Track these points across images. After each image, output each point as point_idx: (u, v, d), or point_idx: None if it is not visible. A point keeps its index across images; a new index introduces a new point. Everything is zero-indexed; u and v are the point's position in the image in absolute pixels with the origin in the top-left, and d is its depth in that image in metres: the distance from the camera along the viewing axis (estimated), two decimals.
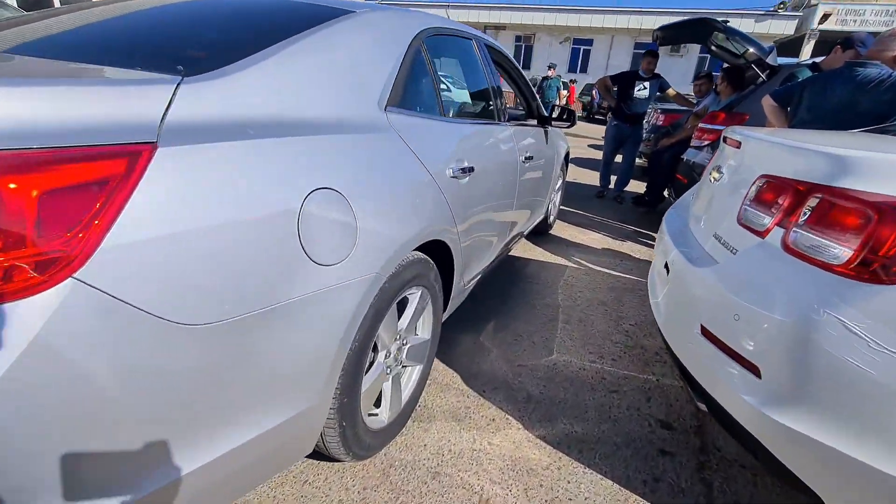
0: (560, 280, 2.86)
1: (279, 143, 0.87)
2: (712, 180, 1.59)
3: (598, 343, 2.17)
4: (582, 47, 21.65)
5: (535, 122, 2.79)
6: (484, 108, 2.08)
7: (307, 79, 1.01)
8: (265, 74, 0.92)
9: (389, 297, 1.19)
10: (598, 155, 8.26)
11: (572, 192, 5.26)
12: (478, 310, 2.34)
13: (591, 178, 6.14)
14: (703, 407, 1.31)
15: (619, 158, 5.17)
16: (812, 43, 16.96)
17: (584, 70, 21.65)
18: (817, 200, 1.05)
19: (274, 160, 0.85)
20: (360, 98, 1.15)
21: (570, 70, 21.72)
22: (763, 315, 1.03)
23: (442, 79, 1.89)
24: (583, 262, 3.22)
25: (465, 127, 1.73)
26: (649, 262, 3.37)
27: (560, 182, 3.73)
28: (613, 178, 5.24)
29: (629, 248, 3.62)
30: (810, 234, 1.03)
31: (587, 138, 11.24)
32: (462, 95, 2.15)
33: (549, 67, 9.39)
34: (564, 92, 9.89)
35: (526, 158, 2.30)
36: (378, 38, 1.28)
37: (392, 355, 1.36)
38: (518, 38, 22.70)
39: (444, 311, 1.71)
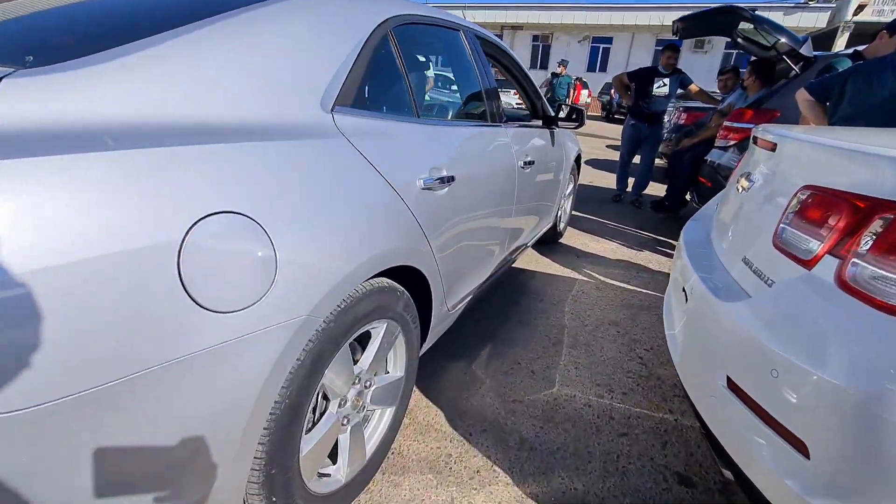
0: (568, 296, 2.60)
1: (154, 155, 0.66)
2: (740, 189, 1.32)
3: (607, 372, 1.91)
4: (601, 46, 21.15)
5: (539, 122, 2.55)
6: (472, 107, 1.85)
7: (214, 73, 0.80)
8: (147, 66, 0.72)
9: (336, 337, 0.97)
10: (617, 156, 7.94)
11: (586, 196, 4.97)
12: (472, 332, 2.11)
13: (609, 180, 5.83)
14: (728, 474, 1.05)
15: (637, 160, 4.86)
16: (846, 35, 16.12)
17: (603, 69, 21.13)
18: (886, 222, 0.79)
19: (142, 177, 0.64)
20: (293, 97, 0.94)
21: (588, 69, 21.25)
22: (811, 375, 0.77)
23: (417, 74, 1.68)
24: (594, 274, 2.95)
25: (446, 130, 1.50)
26: (667, 275, 3.11)
27: (571, 187, 3.47)
28: (631, 181, 4.93)
29: (646, 258, 3.33)
30: (878, 269, 0.77)
31: (605, 138, 10.87)
32: (444, 94, 1.92)
33: (559, 64, 8.97)
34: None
35: (526, 163, 2.06)
36: (324, 25, 1.07)
37: (350, 402, 1.14)
38: (535, 38, 22.33)
39: (424, 342, 1.49)
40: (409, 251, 1.18)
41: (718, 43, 18.97)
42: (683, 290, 1.33)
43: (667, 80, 4.40)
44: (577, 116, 2.55)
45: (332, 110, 1.01)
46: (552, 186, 2.71)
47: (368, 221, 1.02)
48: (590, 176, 6.19)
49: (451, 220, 1.40)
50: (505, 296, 2.52)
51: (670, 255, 3.39)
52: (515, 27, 22.12)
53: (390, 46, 1.27)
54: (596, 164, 7.21)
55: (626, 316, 2.42)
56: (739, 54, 17.50)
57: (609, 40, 20.92)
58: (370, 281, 1.05)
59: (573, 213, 4.04)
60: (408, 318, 1.27)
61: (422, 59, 1.88)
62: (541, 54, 22.37)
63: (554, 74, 8.80)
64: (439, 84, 1.94)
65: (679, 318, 1.33)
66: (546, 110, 2.60)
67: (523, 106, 2.75)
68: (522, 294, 2.58)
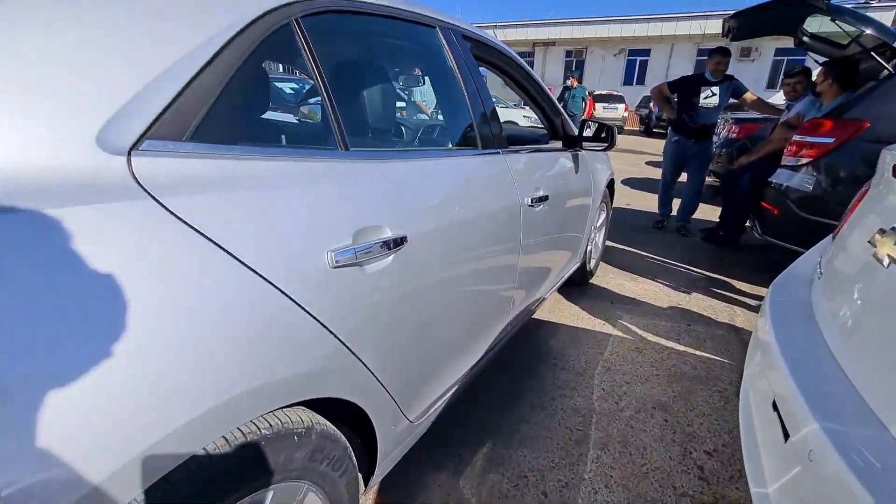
0: (598, 361, 2.04)
1: None
2: (884, 260, 0.77)
3: (651, 495, 1.35)
4: (638, 58, 20.35)
5: (558, 144, 2.05)
6: (452, 131, 1.39)
7: None
8: None
9: None
10: (656, 174, 7.23)
11: (622, 222, 4.36)
12: (463, 420, 1.60)
13: (649, 202, 5.19)
14: None
15: (682, 177, 4.23)
16: None
17: (640, 82, 20.29)
18: None
19: None
20: (39, 126, 0.50)
21: (625, 83, 20.48)
22: None
23: (349, 86, 1.24)
24: (633, 327, 2.37)
25: (396, 167, 1.01)
26: (729, 328, 2.46)
27: (603, 217, 2.92)
28: (677, 203, 4.29)
29: (698, 303, 2.71)
30: None
31: (643, 154, 10.14)
32: (400, 113, 1.45)
33: (571, 76, 8.24)
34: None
35: (537, 200, 1.56)
36: (152, 3, 0.64)
37: None
38: (569, 54, 21.81)
39: (371, 477, 1.00)
40: (303, 381, 0.71)
41: (767, 50, 17.82)
42: (780, 418, 0.79)
43: (716, 89, 3.79)
44: (606, 136, 2.04)
45: (133, 149, 0.57)
46: (577, 220, 2.19)
47: (197, 344, 0.56)
48: (626, 197, 5.56)
49: (400, 303, 0.92)
50: (515, 360, 2.00)
51: (729, 300, 2.75)
52: (548, 43, 21.72)
53: (294, 43, 0.82)
54: (634, 183, 6.56)
55: (677, 394, 1.84)
56: (792, 60, 16.31)
57: (646, 52, 20.12)
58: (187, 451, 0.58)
59: (607, 243, 3.47)
60: (322, 468, 0.79)
61: (364, 65, 1.44)
62: (574, 70, 21.80)
63: (566, 88, 8.07)
64: (390, 99, 1.43)
65: (777, 472, 0.78)
66: (567, 129, 2.10)
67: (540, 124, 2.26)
68: (538, 358, 2.04)
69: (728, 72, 3.81)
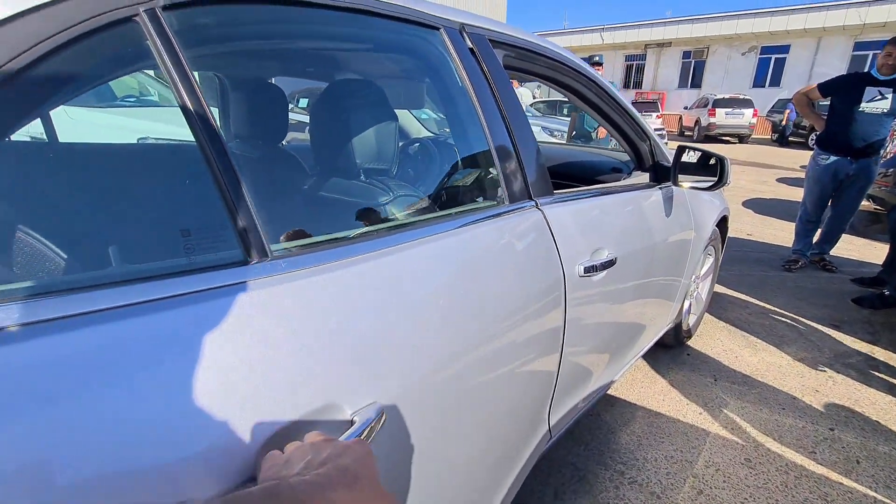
0: (685, 476, 1.48)
1: None
2: None
3: None
4: (773, 56, 17.62)
5: (643, 178, 1.55)
6: (446, 185, 0.99)
7: None
8: None
9: None
10: (790, 194, 5.96)
11: (740, 258, 3.53)
12: None
13: (779, 232, 4.21)
14: None
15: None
16: None
17: (775, 83, 17.54)
18: None
19: None
20: None
21: (755, 85, 17.89)
22: None
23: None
24: (743, 422, 1.74)
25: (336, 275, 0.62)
26: None
27: (710, 263, 2.27)
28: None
29: (850, 393, 1.94)
30: None
31: (775, 169, 8.58)
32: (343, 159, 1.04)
33: (592, 64, 3.58)
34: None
35: (592, 268, 1.09)
36: None
37: None
38: (686, 55, 19.69)
39: None
40: None
41: None
42: None
43: (888, 91, 2.87)
44: (715, 166, 1.47)
45: None
46: (667, 277, 1.64)
47: None
48: (748, 225, 4.58)
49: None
50: (568, 460, 1.52)
51: None
52: (662, 44, 19.87)
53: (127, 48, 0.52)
54: (759, 206, 5.45)
55: None
56: None
57: (784, 49, 17.36)
58: None
59: (716, 289, 2.76)
60: None
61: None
62: (693, 72, 19.65)
63: None
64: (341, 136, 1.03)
65: None
66: (659, 158, 1.58)
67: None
68: (599, 459, 1.54)
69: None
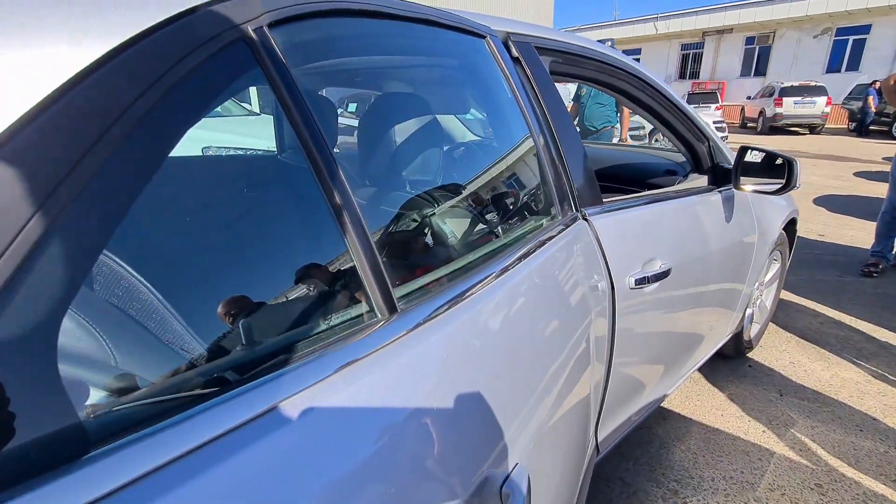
0: (746, 499, 1.39)
1: None
2: None
3: None
4: (850, 38, 16.09)
5: (701, 181, 1.46)
6: (500, 197, 0.96)
7: None
8: None
9: None
10: (871, 190, 5.42)
11: (811, 260, 3.26)
12: None
13: (857, 234, 3.85)
14: None
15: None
16: None
17: (853, 67, 16.03)
18: None
19: None
20: None
21: (829, 70, 16.44)
22: None
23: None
24: (811, 443, 1.60)
25: None
26: None
27: (776, 269, 2.12)
28: None
29: None
30: None
31: (853, 162, 7.86)
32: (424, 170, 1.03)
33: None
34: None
35: (645, 279, 1.05)
36: None
37: None
38: (749, 41, 18.40)
39: None
40: None
41: None
42: None
43: None
44: (783, 168, 1.36)
45: None
46: (728, 284, 1.55)
47: None
48: (821, 224, 4.22)
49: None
50: (616, 475, 1.47)
51: None
52: (723, 31, 18.69)
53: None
54: (834, 203, 5.01)
55: None
56: None
57: (865, 29, 15.82)
58: None
59: (783, 296, 2.56)
60: None
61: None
62: (756, 59, 18.35)
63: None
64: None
65: None
66: (718, 159, 1.49)
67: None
68: (651, 475, 1.47)
69: None
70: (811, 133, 13.02)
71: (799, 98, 12.61)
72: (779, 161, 1.38)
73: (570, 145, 0.99)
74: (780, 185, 1.34)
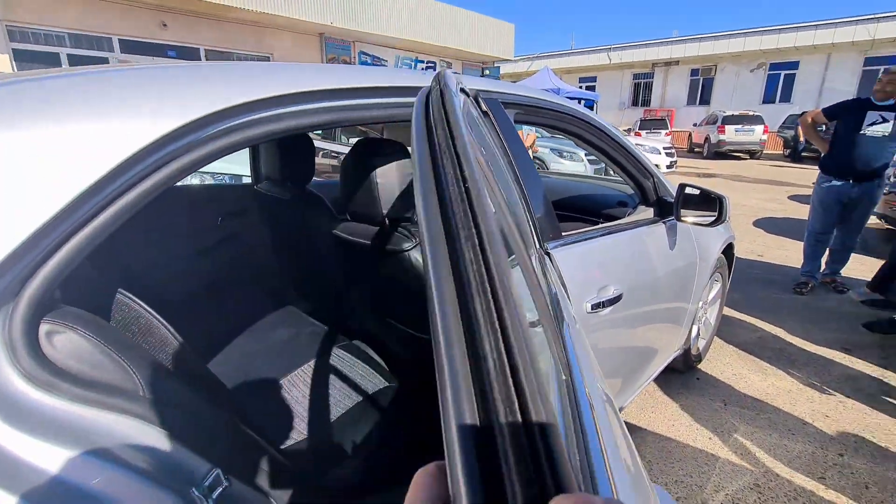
0: (694, 502, 1.53)
1: None
2: None
3: None
4: (782, 72, 17.70)
5: (644, 212, 1.64)
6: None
7: None
8: None
9: None
10: (803, 212, 5.92)
11: (750, 278, 3.56)
12: None
13: (791, 253, 4.23)
14: None
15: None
16: None
17: (785, 99, 17.58)
18: None
19: None
20: None
21: (765, 101, 17.93)
22: None
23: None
24: (752, 446, 1.78)
25: None
26: None
27: (717, 289, 2.34)
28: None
29: (860, 419, 1.97)
30: None
31: (788, 186, 8.58)
32: None
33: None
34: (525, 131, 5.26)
35: (599, 304, 1.18)
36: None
37: None
38: (694, 73, 19.85)
39: None
40: None
41: None
42: None
43: (890, 115, 2.93)
44: (715, 202, 1.55)
45: None
46: (675, 303, 1.72)
47: None
48: (760, 245, 4.61)
49: None
50: None
51: None
52: (669, 63, 20.08)
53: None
54: (771, 225, 5.47)
55: None
56: None
57: (794, 65, 17.44)
58: None
59: (726, 312, 2.81)
60: None
61: None
62: (701, 89, 19.77)
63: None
64: None
65: None
66: (662, 193, 1.67)
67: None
68: None
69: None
70: (751, 158, 14.08)
71: (739, 126, 13.65)
72: (712, 196, 1.58)
73: (533, 187, 1.12)
74: (714, 218, 1.54)
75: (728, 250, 2.28)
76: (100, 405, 0.54)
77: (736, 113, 14.11)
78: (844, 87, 15.59)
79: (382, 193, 1.10)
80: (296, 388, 1.26)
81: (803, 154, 13.18)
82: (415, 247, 1.09)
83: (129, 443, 0.55)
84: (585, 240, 1.25)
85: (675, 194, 1.65)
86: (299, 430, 1.13)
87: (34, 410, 0.49)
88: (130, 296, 0.76)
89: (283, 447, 1.05)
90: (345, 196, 1.23)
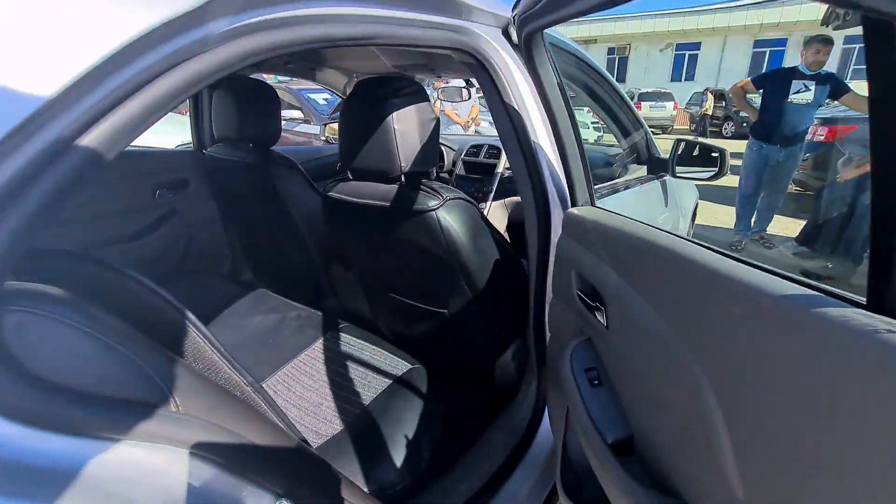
0: None
1: None
2: None
3: None
4: (686, 52, 19.16)
5: (641, 170, 1.60)
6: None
7: None
8: None
9: None
10: (725, 181, 6.45)
11: (696, 236, 3.78)
12: None
13: (721, 217, 4.57)
14: None
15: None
16: None
17: (690, 77, 19.10)
18: None
19: None
20: None
21: (672, 80, 19.34)
22: None
23: None
24: None
25: None
26: None
27: None
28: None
29: None
30: None
31: None
32: None
33: None
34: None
35: None
36: None
37: None
38: (611, 51, 20.88)
39: None
40: None
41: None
42: None
43: (811, 84, 3.19)
44: (714, 158, 1.51)
45: None
46: None
47: None
48: None
49: None
50: None
51: None
52: (588, 41, 20.88)
53: None
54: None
55: None
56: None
57: (696, 46, 18.93)
58: None
59: None
60: None
61: None
62: (617, 67, 20.86)
63: None
64: None
65: None
66: (654, 151, 1.64)
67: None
68: None
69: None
70: (663, 133, 15.17)
71: (653, 102, 14.60)
72: (714, 154, 1.53)
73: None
74: (713, 172, 1.52)
75: (695, 212, 2.35)
76: (117, 432, 0.34)
77: (650, 90, 15.05)
78: (738, 68, 17.23)
79: (402, 144, 0.92)
80: (296, 382, 1.06)
81: (711, 130, 14.42)
82: (443, 205, 0.93)
83: (170, 485, 0.36)
84: (617, 192, 1.17)
85: (658, 152, 1.63)
86: (315, 429, 0.94)
87: (13, 463, 0.29)
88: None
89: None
90: (347, 150, 1.03)
